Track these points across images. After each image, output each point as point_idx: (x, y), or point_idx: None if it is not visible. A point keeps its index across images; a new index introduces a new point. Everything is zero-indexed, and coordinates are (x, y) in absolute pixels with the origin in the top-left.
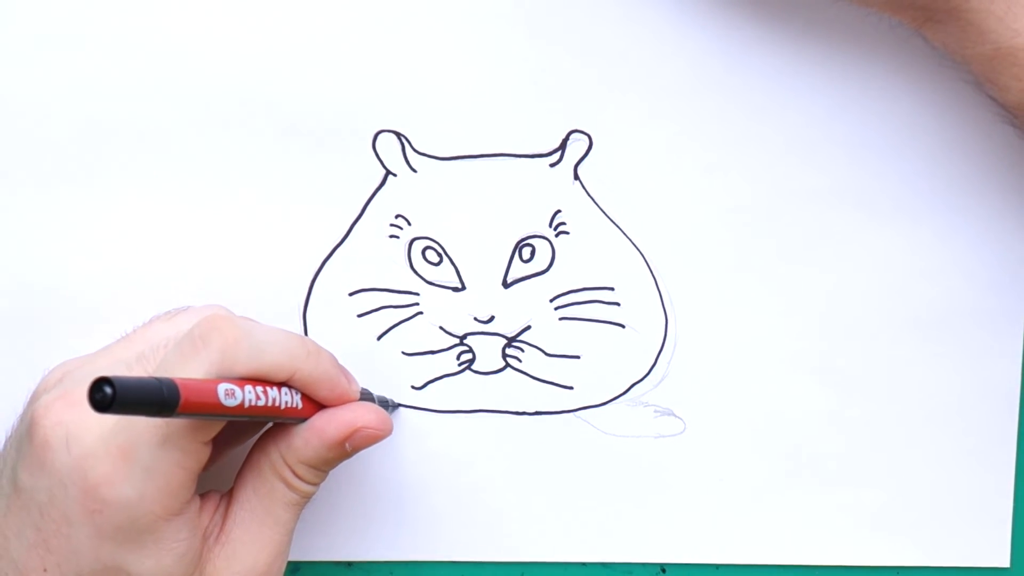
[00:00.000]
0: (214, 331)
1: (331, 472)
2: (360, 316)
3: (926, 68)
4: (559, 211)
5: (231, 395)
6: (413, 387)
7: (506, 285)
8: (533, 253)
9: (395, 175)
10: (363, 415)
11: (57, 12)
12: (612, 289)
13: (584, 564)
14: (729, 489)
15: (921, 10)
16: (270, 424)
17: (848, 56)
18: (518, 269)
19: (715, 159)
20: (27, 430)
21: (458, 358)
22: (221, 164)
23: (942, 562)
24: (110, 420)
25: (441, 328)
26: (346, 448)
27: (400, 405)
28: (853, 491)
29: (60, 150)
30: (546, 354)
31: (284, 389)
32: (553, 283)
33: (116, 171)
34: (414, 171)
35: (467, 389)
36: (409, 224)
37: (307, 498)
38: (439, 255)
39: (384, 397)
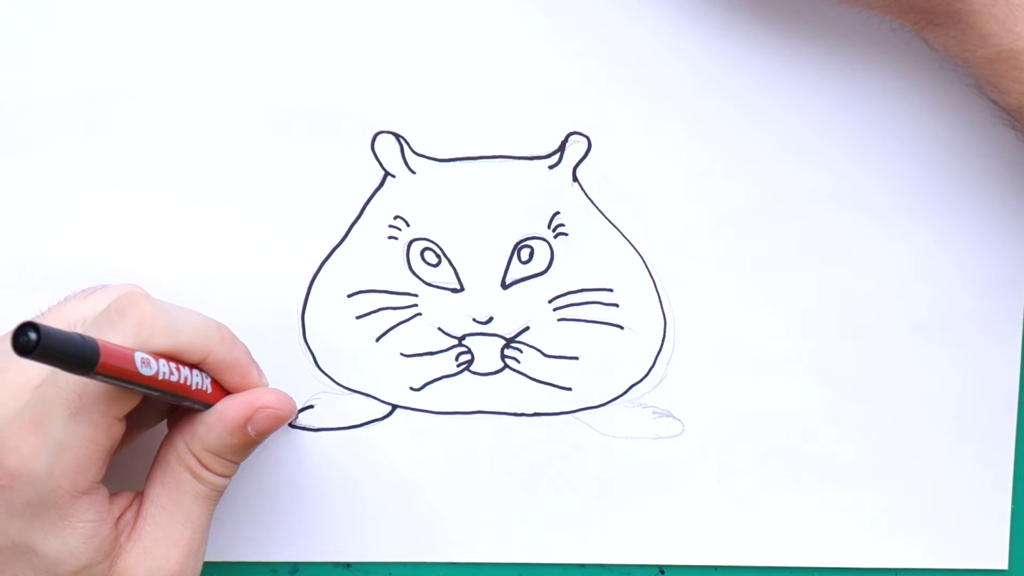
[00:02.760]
0: (131, 306)
1: (331, 472)
2: (359, 317)
3: (927, 71)
4: (558, 212)
5: (147, 364)
6: (412, 388)
7: (505, 286)
8: (532, 254)
9: (394, 176)
10: (262, 396)
11: (57, 12)
12: (611, 290)
13: (583, 565)
14: (727, 490)
15: (922, 13)
16: (175, 413)
17: (849, 58)
18: (517, 270)
19: (714, 161)
20: None
21: (457, 359)
22: (220, 165)
23: (941, 564)
24: (23, 397)
25: (440, 329)
26: (248, 432)
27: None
28: (852, 493)
29: (60, 150)
30: (545, 355)
31: (195, 371)
32: (552, 284)
33: (115, 171)
34: (413, 172)
35: (466, 390)
36: (408, 225)
37: (217, 491)
38: (438, 256)
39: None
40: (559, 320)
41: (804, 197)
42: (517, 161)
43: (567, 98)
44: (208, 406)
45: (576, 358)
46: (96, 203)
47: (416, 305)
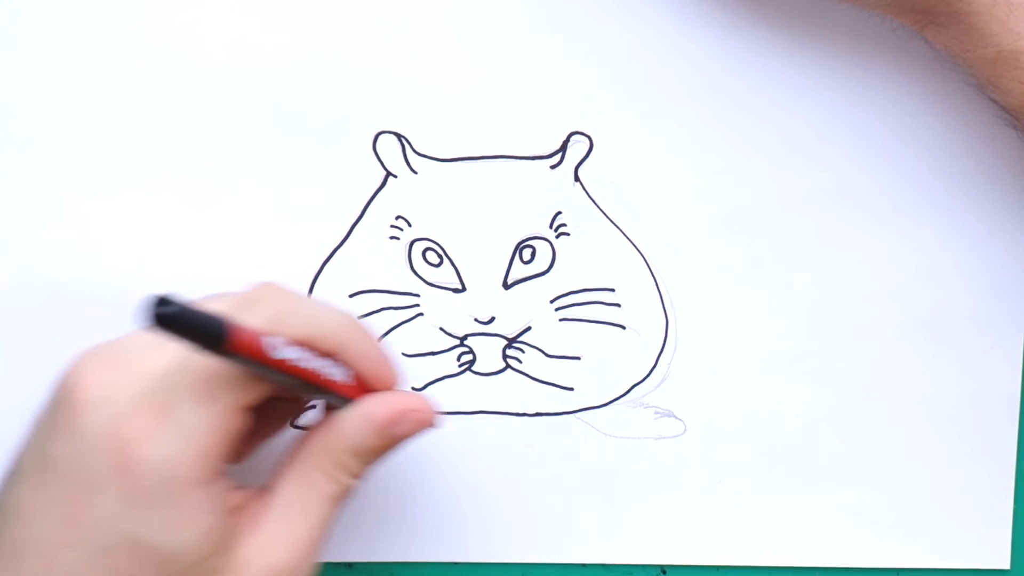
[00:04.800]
0: (266, 294)
1: None
2: (360, 318)
3: (927, 71)
4: (559, 212)
5: (275, 348)
6: (414, 388)
7: (506, 286)
8: (533, 254)
9: (395, 176)
10: (410, 398)
11: (57, 12)
12: (613, 290)
13: (584, 565)
14: (729, 491)
15: (923, 13)
16: (311, 411)
17: (849, 58)
18: (518, 270)
19: (716, 161)
20: (61, 394)
21: (458, 359)
22: (221, 165)
23: (942, 564)
24: (147, 380)
25: (441, 329)
26: (392, 433)
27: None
28: (853, 493)
29: (60, 150)
30: (546, 355)
31: (330, 361)
32: (553, 284)
33: (115, 171)
34: (414, 172)
35: (467, 390)
36: (409, 225)
37: (346, 492)
38: (439, 256)
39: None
40: (561, 320)
41: (805, 197)
42: (519, 161)
43: (569, 98)
44: (344, 400)
45: (578, 358)
46: (96, 203)
47: (418, 305)
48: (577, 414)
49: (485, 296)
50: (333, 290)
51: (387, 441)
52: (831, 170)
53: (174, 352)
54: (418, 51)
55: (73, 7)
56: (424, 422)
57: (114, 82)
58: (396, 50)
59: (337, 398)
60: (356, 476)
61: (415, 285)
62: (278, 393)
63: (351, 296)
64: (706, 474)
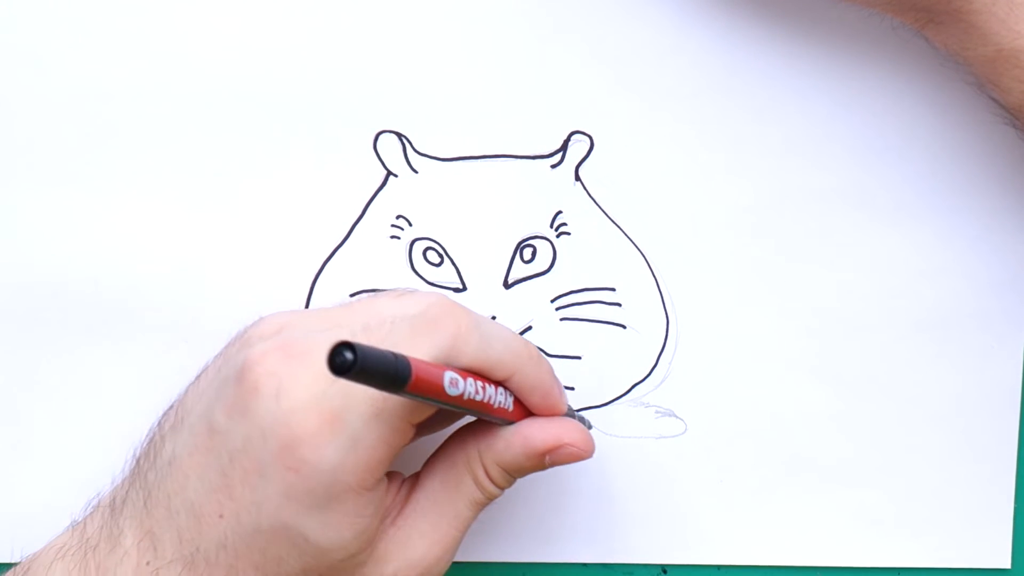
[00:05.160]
0: (448, 316)
1: None
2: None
3: (928, 69)
4: (560, 212)
5: (455, 384)
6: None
7: (507, 286)
8: (534, 254)
9: (396, 176)
10: (571, 431)
11: (57, 12)
12: (613, 290)
13: (585, 565)
14: (730, 490)
15: (923, 11)
16: (467, 419)
17: (850, 57)
18: (519, 270)
19: (716, 160)
20: (236, 373)
21: None
22: (222, 164)
23: (943, 563)
24: (324, 382)
25: None
26: (545, 461)
27: (593, 427)
28: (854, 492)
29: (60, 150)
30: (547, 355)
31: (500, 389)
32: (554, 284)
33: (115, 171)
34: (415, 172)
35: None
36: (410, 225)
37: (490, 500)
38: (440, 256)
39: (584, 416)
40: (561, 320)
41: (806, 196)
42: (519, 160)
43: (569, 97)
44: (507, 422)
45: (579, 357)
46: (96, 203)
47: None
48: (577, 413)
49: (486, 295)
50: (333, 289)
51: (538, 465)
52: (830, 169)
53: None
54: (418, 51)
55: (73, 7)
56: (579, 456)
57: (114, 82)
58: (396, 50)
59: (499, 420)
60: (502, 488)
61: (416, 284)
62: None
63: (352, 295)
64: (706, 474)
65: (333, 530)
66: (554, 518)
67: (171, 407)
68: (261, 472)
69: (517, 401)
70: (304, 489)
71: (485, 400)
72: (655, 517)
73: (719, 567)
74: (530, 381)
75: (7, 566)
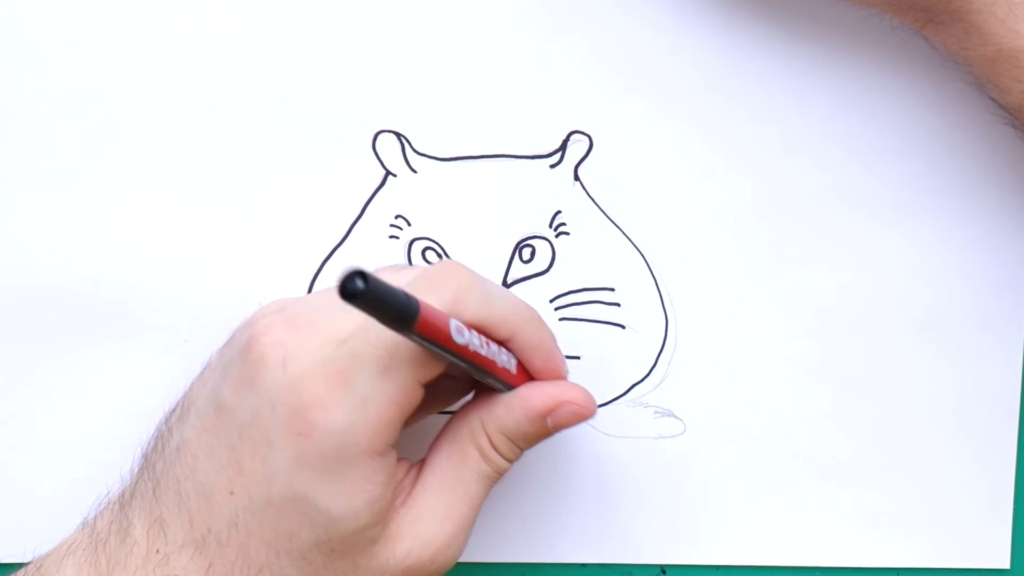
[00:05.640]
0: (451, 272)
1: None
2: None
3: (927, 69)
4: (559, 212)
5: (460, 332)
6: None
7: (506, 285)
8: (533, 254)
9: (395, 175)
10: (569, 390)
11: (57, 12)
12: (612, 290)
13: (584, 565)
14: (729, 490)
15: (923, 11)
16: (470, 396)
17: (849, 57)
18: (518, 270)
19: (715, 160)
20: (241, 348)
21: None
22: (221, 164)
23: (942, 563)
24: (331, 346)
25: None
26: (547, 424)
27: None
28: (853, 492)
29: (60, 150)
30: None
31: (503, 349)
32: (553, 284)
33: (115, 171)
34: (414, 172)
35: None
36: (409, 225)
37: (499, 474)
38: (439, 255)
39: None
40: (560, 319)
41: (805, 196)
42: (518, 160)
43: (568, 97)
44: (509, 387)
45: (578, 357)
46: (96, 203)
47: None
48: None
49: None
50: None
51: (542, 429)
52: (830, 169)
53: (353, 319)
54: (418, 51)
55: (73, 7)
56: (580, 415)
57: (114, 82)
58: (396, 50)
59: (501, 383)
60: (509, 459)
61: None
62: (447, 372)
63: None
64: (705, 474)
65: (345, 496)
66: (553, 518)
67: (176, 403)
68: (270, 442)
69: (520, 366)
70: (315, 454)
71: (489, 357)
72: (654, 517)
73: (718, 567)
74: (532, 342)
75: (7, 566)
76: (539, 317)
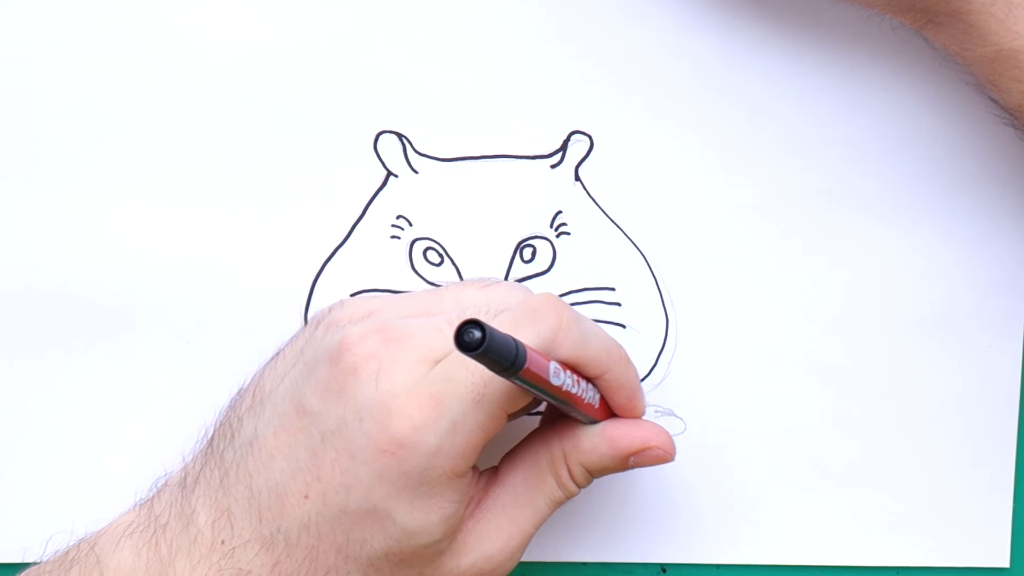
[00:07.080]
0: (550, 308)
1: None
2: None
3: (927, 69)
4: (560, 212)
5: (557, 375)
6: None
7: None
8: (534, 254)
9: (396, 176)
10: (657, 434)
11: (57, 12)
12: (613, 289)
13: (584, 564)
14: (730, 489)
15: (922, 12)
16: (542, 408)
17: (849, 57)
18: (519, 270)
19: (716, 160)
20: (330, 354)
21: None
22: (222, 165)
23: (942, 562)
24: (424, 366)
25: None
26: (629, 462)
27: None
28: (853, 491)
29: (60, 150)
30: None
31: (589, 384)
32: (554, 284)
33: (116, 171)
34: (415, 172)
35: None
36: (410, 225)
37: (568, 499)
38: (440, 256)
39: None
40: None
41: (805, 196)
42: (519, 160)
43: (569, 97)
44: (590, 420)
45: None
46: (97, 203)
47: None
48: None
49: None
50: (334, 290)
51: (623, 466)
52: (830, 169)
53: (447, 339)
54: (418, 51)
55: (73, 7)
56: (663, 459)
57: (115, 82)
58: (396, 50)
59: (584, 416)
60: (582, 487)
61: (416, 285)
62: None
63: (352, 295)
64: (706, 473)
65: (421, 513)
66: (554, 517)
67: (244, 389)
68: (353, 455)
69: (603, 401)
70: (399, 472)
71: (578, 394)
72: (654, 516)
73: (718, 566)
74: (619, 380)
75: (8, 566)
76: (627, 356)
